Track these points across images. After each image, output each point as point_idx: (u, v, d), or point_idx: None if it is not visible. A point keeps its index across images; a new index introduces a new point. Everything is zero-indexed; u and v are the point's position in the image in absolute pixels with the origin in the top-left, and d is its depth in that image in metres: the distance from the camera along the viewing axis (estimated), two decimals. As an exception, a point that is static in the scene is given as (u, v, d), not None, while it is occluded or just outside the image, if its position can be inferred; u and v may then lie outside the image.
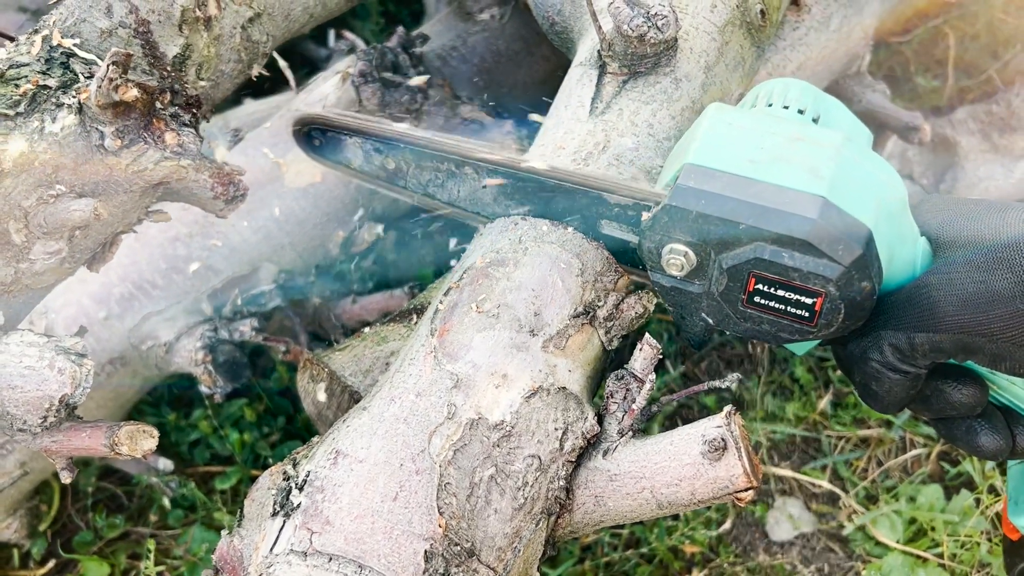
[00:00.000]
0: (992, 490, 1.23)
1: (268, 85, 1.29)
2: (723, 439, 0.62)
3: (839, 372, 1.38)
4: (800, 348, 0.70)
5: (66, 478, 0.71)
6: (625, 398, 0.67)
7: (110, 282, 1.14)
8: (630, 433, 0.67)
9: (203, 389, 1.16)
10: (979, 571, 1.18)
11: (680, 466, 0.63)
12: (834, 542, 1.25)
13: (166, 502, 1.30)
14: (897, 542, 1.21)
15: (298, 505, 0.65)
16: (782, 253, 0.61)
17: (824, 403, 1.35)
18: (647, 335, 0.69)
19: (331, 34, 1.71)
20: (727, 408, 0.64)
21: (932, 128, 1.21)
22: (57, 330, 1.13)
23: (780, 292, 0.63)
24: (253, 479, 1.33)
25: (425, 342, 0.71)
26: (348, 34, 1.53)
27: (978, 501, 1.22)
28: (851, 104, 1.22)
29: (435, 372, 0.68)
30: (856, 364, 0.66)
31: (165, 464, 1.29)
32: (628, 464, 0.66)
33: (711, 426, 0.63)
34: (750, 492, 0.62)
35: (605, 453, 0.67)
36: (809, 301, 0.62)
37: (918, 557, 1.19)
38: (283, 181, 1.21)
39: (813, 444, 1.34)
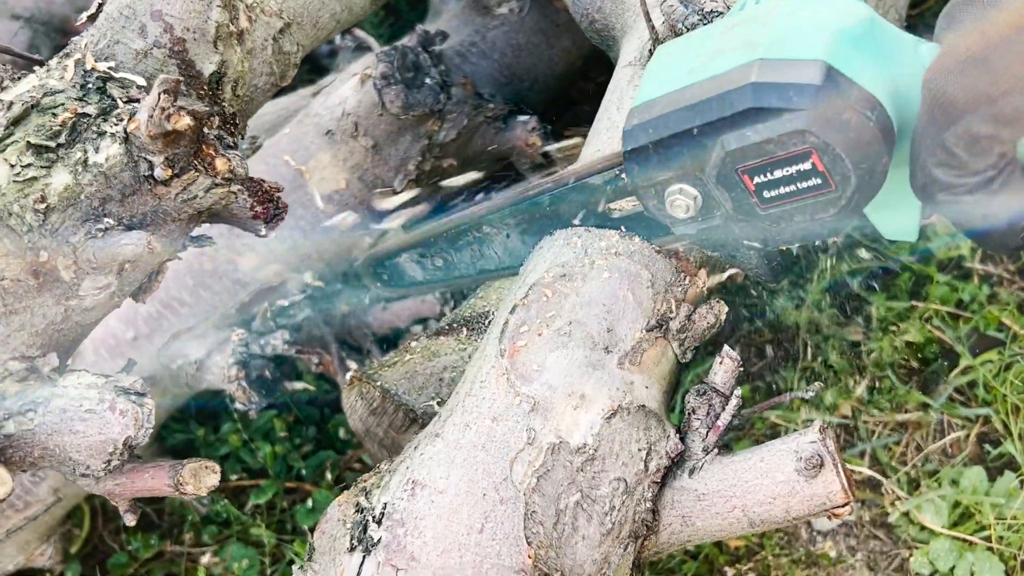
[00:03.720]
0: (1036, 470, 1.23)
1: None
2: (819, 456, 0.60)
3: (873, 356, 1.37)
4: (898, 229, 0.63)
5: (130, 520, 0.69)
6: (708, 414, 0.66)
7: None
8: (715, 450, 0.65)
9: (237, 406, 1.14)
10: (1027, 552, 1.17)
11: (773, 484, 0.62)
12: (879, 529, 1.25)
13: (199, 519, 1.28)
14: (943, 527, 1.20)
15: (378, 540, 0.63)
16: (746, 133, 0.56)
17: (860, 389, 1.34)
18: (726, 347, 0.67)
19: (336, 31, 1.67)
20: (818, 422, 0.62)
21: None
22: (86, 354, 1.10)
23: (778, 173, 0.57)
24: (288, 491, 1.32)
25: (495, 363, 0.68)
26: (358, 31, 1.49)
27: (1022, 483, 1.21)
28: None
29: (510, 395, 0.66)
30: (940, 211, 0.58)
31: (197, 481, 1.27)
32: (716, 483, 0.64)
33: (805, 442, 0.61)
34: (847, 507, 0.61)
35: (691, 472, 0.65)
36: (807, 166, 0.56)
37: (965, 541, 1.19)
38: (307, 189, 1.18)
39: (851, 431, 1.33)
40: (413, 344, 0.90)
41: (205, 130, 0.69)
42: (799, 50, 0.55)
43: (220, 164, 0.68)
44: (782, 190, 0.59)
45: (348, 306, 1.22)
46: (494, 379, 0.68)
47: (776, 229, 0.62)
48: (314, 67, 1.79)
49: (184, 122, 0.62)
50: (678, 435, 0.67)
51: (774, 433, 1.33)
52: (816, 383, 0.65)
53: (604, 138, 0.79)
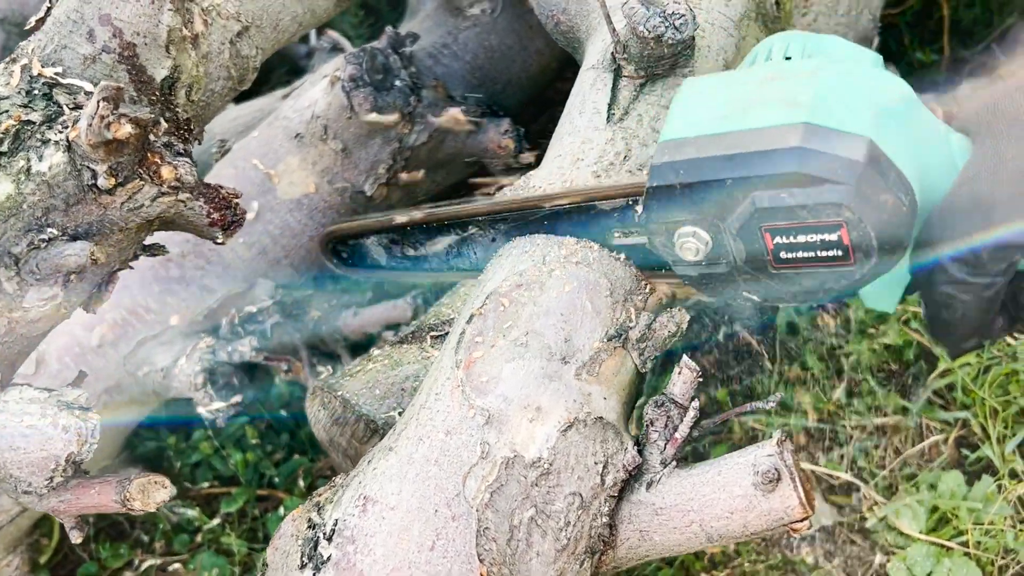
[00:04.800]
0: (1014, 474, 1.22)
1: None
2: (776, 469, 0.59)
3: (852, 359, 1.36)
4: (880, 300, 0.64)
5: (76, 538, 0.67)
6: (666, 426, 0.64)
7: (102, 308, 1.09)
8: (673, 463, 0.64)
9: (203, 413, 1.12)
10: (1004, 558, 1.16)
11: (731, 498, 0.60)
12: (856, 534, 1.24)
13: (170, 527, 1.26)
14: (920, 532, 1.19)
15: (328, 558, 0.62)
16: (781, 195, 0.55)
17: (838, 392, 1.32)
18: (685, 357, 0.65)
19: (312, 32, 1.65)
20: (777, 435, 0.61)
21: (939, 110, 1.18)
22: (50, 361, 1.08)
23: (801, 238, 0.57)
24: (259, 499, 1.30)
25: (451, 375, 0.67)
26: (331, 32, 1.48)
27: (1000, 487, 1.20)
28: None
29: (464, 408, 0.65)
30: (925, 295, 0.60)
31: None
32: (674, 497, 0.63)
33: (762, 455, 0.60)
34: (805, 522, 0.59)
35: (648, 485, 0.64)
36: (834, 237, 0.56)
37: (942, 546, 1.17)
38: (276, 193, 1.17)
39: (828, 435, 1.32)
40: (376, 352, 0.89)
41: (151, 137, 0.67)
42: (846, 121, 0.55)
43: (166, 173, 0.66)
44: (800, 254, 0.58)
45: (318, 311, 1.20)
46: (449, 391, 0.66)
47: (780, 287, 0.61)
48: (292, 68, 1.77)
49: (125, 130, 0.61)
50: (636, 447, 0.65)
51: (753, 438, 1.32)
52: (777, 393, 0.64)
53: (566, 143, 0.77)
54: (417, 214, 0.83)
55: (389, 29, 1.18)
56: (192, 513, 1.26)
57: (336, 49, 1.52)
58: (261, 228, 1.15)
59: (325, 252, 0.94)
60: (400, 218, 0.85)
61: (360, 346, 1.23)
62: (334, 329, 1.21)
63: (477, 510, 0.61)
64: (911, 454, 1.28)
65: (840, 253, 0.57)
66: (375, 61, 1.14)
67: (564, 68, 1.34)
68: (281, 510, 1.25)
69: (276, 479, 1.28)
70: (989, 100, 0.59)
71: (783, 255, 0.59)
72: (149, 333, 1.10)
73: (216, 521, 1.26)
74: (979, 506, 1.19)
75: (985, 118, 0.58)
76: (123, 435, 1.20)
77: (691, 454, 1.32)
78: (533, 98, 1.33)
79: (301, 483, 1.28)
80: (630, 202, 0.68)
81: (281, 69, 1.80)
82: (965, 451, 1.27)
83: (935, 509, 1.21)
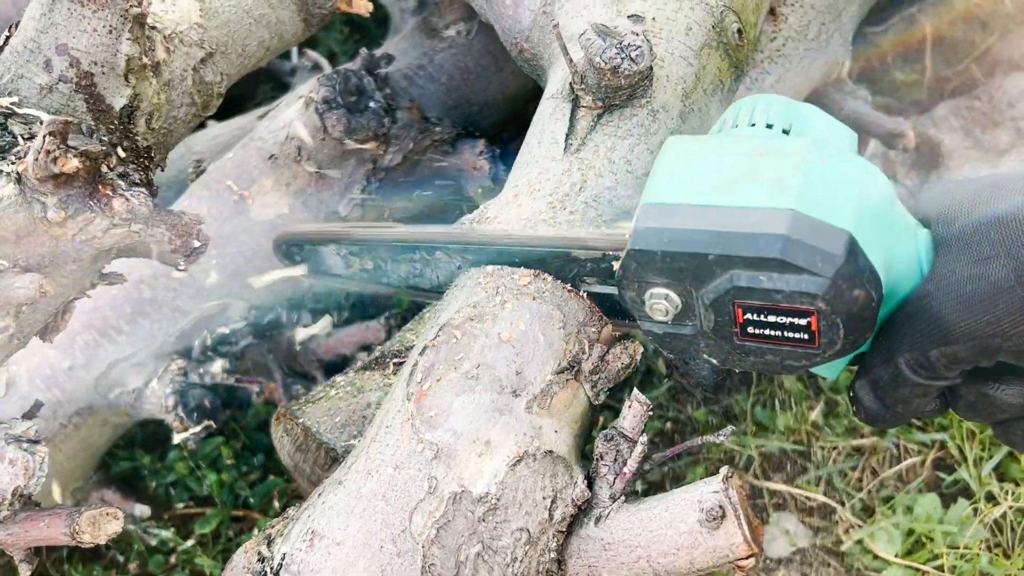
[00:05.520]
0: (990, 497, 1.21)
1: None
2: (721, 507, 0.58)
3: (829, 380, 1.35)
4: (828, 371, 0.66)
5: (25, 571, 0.67)
6: (616, 460, 0.64)
7: (73, 330, 1.09)
8: (622, 498, 0.64)
9: (175, 436, 1.12)
10: (980, 582, 1.16)
11: (677, 534, 0.60)
12: (832, 557, 1.23)
13: (144, 548, 1.26)
14: (896, 555, 1.18)
15: (274, 593, 0.61)
16: (759, 277, 0.57)
17: (815, 414, 1.32)
18: (635, 391, 0.65)
19: (294, 49, 1.66)
20: (724, 471, 0.60)
21: (914, 129, 1.18)
22: (20, 384, 1.08)
23: (771, 318, 0.59)
24: (234, 520, 1.30)
25: (402, 407, 0.67)
26: (311, 53, 1.48)
27: (976, 510, 1.20)
28: (833, 112, 1.18)
29: (413, 441, 0.64)
30: (880, 390, 0.62)
31: (141, 510, 1.25)
32: (622, 532, 0.62)
33: (708, 491, 0.60)
34: (751, 559, 0.59)
35: (597, 520, 0.63)
36: (803, 322, 0.58)
37: (918, 570, 1.17)
38: (249, 214, 1.17)
39: (805, 456, 1.32)
40: (339, 379, 0.88)
41: (104, 169, 0.67)
42: (830, 213, 0.56)
43: (117, 205, 0.66)
44: (767, 332, 0.60)
45: (292, 333, 1.20)
46: (399, 424, 0.66)
47: (741, 357, 0.63)
48: (277, 84, 1.78)
49: (72, 164, 0.61)
50: (586, 481, 0.65)
51: (730, 459, 1.32)
52: (729, 427, 0.64)
53: (523, 172, 0.77)
54: (380, 232, 0.83)
55: (363, 51, 1.18)
56: (167, 534, 1.25)
57: (317, 69, 1.53)
58: (234, 250, 1.15)
59: (277, 251, 0.92)
60: (359, 232, 0.84)
61: (334, 367, 1.22)
62: (308, 350, 1.21)
63: (423, 546, 0.61)
64: (888, 476, 1.28)
65: (806, 337, 0.59)
66: (348, 83, 1.14)
67: (541, 90, 1.34)
68: (255, 531, 1.24)
69: (251, 500, 1.28)
70: (948, 206, 0.60)
71: (750, 330, 0.60)
72: (121, 355, 1.10)
73: (191, 542, 1.26)
74: (954, 529, 1.18)
75: (944, 227, 0.60)
76: (96, 458, 1.20)
77: (669, 475, 1.32)
78: (510, 119, 1.33)
79: (276, 504, 1.28)
80: (604, 255, 0.68)
81: (266, 86, 1.80)
82: (942, 474, 1.27)
83: (911, 532, 1.21)
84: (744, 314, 0.59)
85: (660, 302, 0.62)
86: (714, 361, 0.65)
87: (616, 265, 0.64)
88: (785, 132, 0.65)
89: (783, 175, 0.58)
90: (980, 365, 0.57)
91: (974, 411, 0.61)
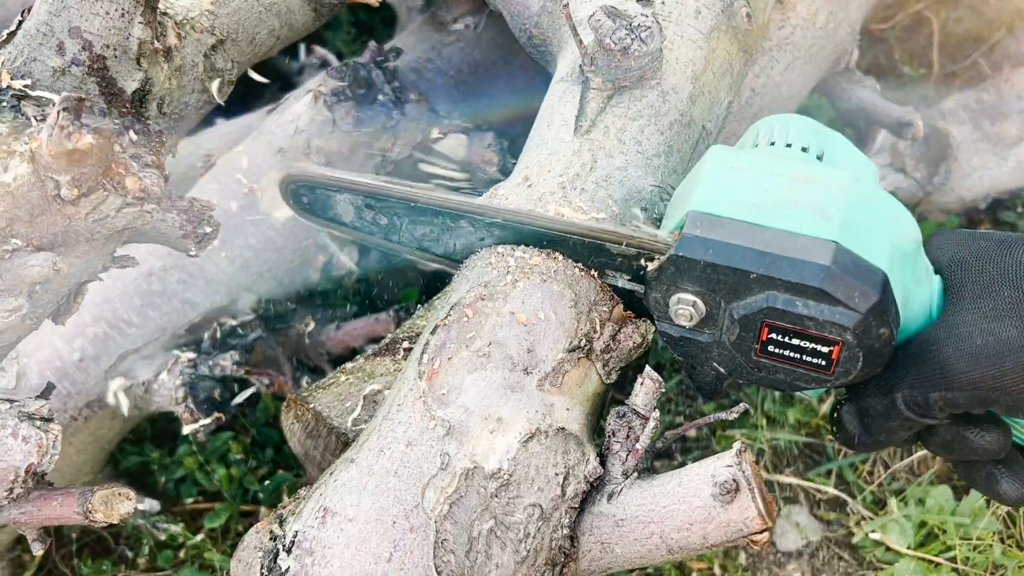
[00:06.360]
0: (1002, 489, 1.20)
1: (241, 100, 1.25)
2: (735, 480, 0.58)
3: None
4: (814, 392, 0.68)
5: (38, 550, 0.67)
6: (628, 437, 0.64)
7: (83, 322, 1.10)
8: (635, 474, 0.63)
9: (184, 428, 1.12)
10: (993, 573, 1.15)
11: (690, 509, 0.60)
12: (843, 550, 1.22)
13: (154, 543, 1.26)
14: (908, 548, 1.18)
15: (287, 570, 0.61)
16: (796, 302, 0.58)
17: (826, 407, 1.31)
18: (648, 368, 0.65)
19: (302, 48, 1.66)
20: (737, 445, 0.60)
21: (923, 121, 1.18)
22: (31, 375, 1.08)
23: (795, 341, 0.60)
24: (243, 515, 1.29)
25: (413, 386, 0.67)
26: (319, 49, 1.49)
27: (988, 502, 1.19)
28: (841, 101, 1.18)
29: (425, 419, 0.64)
30: (868, 418, 0.64)
31: (151, 505, 1.25)
32: (635, 508, 0.62)
33: (721, 466, 0.60)
34: (765, 534, 0.59)
35: (610, 497, 0.63)
36: (825, 349, 0.60)
37: (930, 562, 1.16)
38: (258, 207, 1.17)
39: (816, 449, 1.31)
40: (349, 365, 0.88)
41: (117, 148, 0.67)
42: (869, 251, 0.59)
43: (131, 183, 0.66)
44: (787, 353, 0.61)
45: (302, 326, 1.20)
46: (411, 402, 0.66)
47: (751, 371, 0.64)
48: (285, 84, 1.78)
49: (86, 141, 0.61)
50: (598, 459, 0.65)
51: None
52: (741, 404, 0.64)
53: (533, 154, 0.77)
54: (402, 188, 0.79)
55: (372, 44, 1.19)
56: (176, 529, 1.25)
57: (325, 66, 1.53)
58: (243, 242, 1.15)
59: (283, 191, 0.89)
60: (394, 188, 0.80)
61: (343, 359, 1.22)
62: (317, 342, 1.21)
63: (435, 521, 0.61)
64: (899, 468, 1.27)
65: (824, 363, 0.61)
66: (357, 75, 1.15)
67: (548, 82, 1.35)
68: (265, 525, 1.24)
69: (260, 494, 1.28)
70: (961, 258, 0.63)
71: (771, 348, 0.62)
72: (131, 347, 1.10)
73: (200, 537, 1.25)
74: (967, 521, 1.18)
75: (956, 277, 0.62)
76: (106, 451, 1.20)
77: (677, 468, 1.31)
78: (518, 112, 1.33)
79: (285, 498, 1.27)
80: (638, 252, 0.69)
81: (275, 86, 1.81)
82: (953, 466, 1.26)
83: (923, 524, 1.20)
84: (770, 333, 0.61)
85: (686, 308, 0.63)
86: (722, 370, 0.66)
87: (651, 266, 0.64)
88: (818, 158, 0.67)
89: (826, 206, 0.60)
90: (971, 412, 0.60)
91: (947, 449, 0.64)
